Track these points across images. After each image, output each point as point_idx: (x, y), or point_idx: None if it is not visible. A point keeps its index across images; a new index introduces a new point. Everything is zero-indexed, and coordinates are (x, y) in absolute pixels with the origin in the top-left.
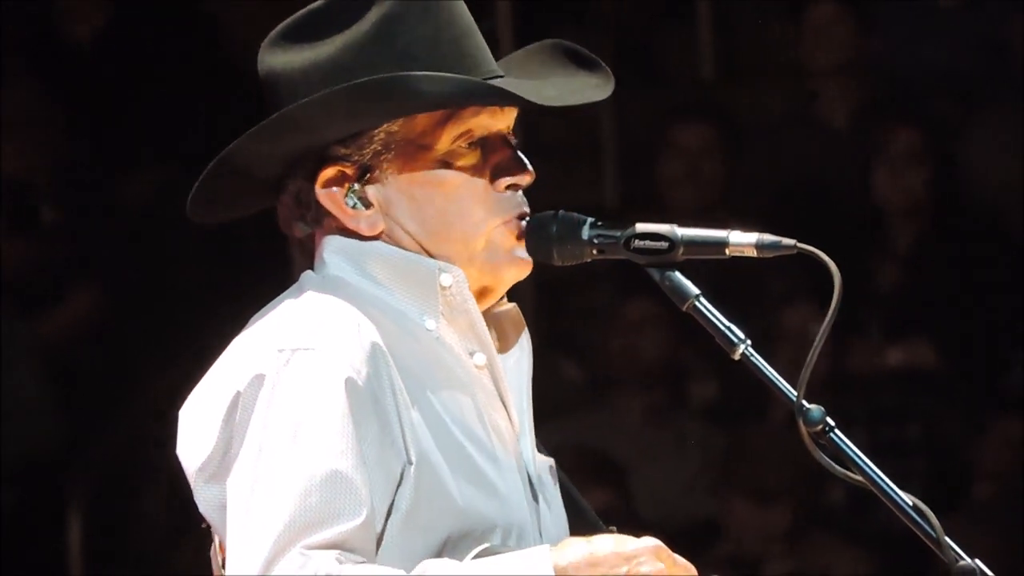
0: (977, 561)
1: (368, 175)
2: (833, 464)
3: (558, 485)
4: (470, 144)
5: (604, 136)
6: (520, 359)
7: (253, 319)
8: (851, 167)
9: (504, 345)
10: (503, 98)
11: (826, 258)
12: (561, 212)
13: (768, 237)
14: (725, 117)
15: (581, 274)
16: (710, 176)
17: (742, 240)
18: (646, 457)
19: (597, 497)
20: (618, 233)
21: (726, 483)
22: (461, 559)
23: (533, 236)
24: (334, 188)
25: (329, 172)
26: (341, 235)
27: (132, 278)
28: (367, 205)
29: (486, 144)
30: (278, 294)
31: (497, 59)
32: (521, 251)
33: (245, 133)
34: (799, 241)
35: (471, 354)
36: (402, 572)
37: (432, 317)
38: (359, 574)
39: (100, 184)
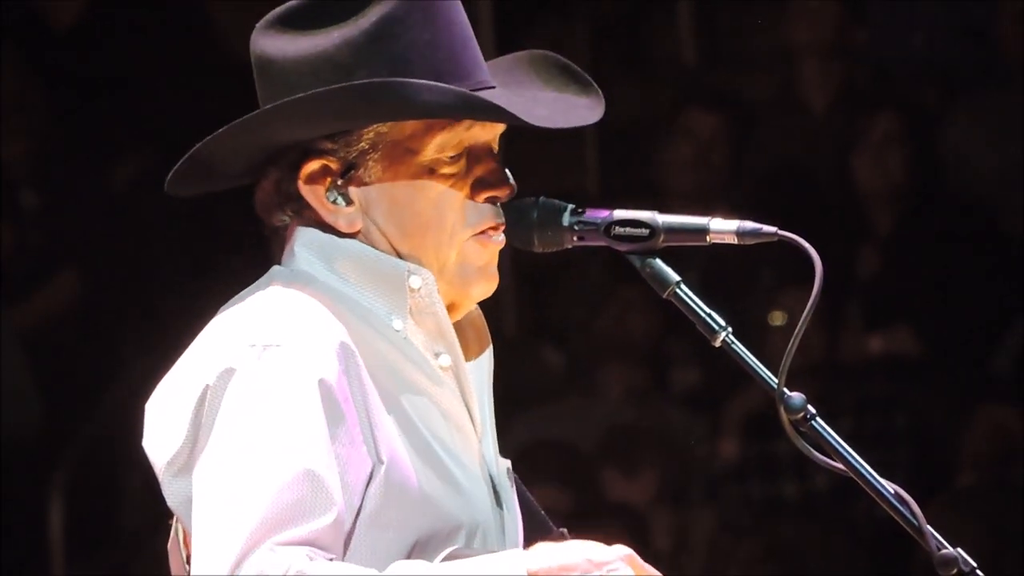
0: (959, 550)
1: (352, 172)
2: (814, 452)
3: (514, 487)
4: (455, 153)
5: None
6: (481, 361)
7: (220, 311)
8: (832, 153)
9: (466, 347)
10: (498, 115)
11: (807, 245)
12: (542, 198)
13: (749, 224)
14: (707, 103)
15: (561, 261)
16: (691, 162)
17: (723, 227)
18: (625, 446)
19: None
20: (598, 220)
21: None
22: (428, 559)
23: (513, 222)
24: (316, 182)
25: (313, 165)
26: (317, 228)
27: (113, 264)
28: (348, 202)
29: (471, 154)
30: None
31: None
32: (490, 268)
33: (235, 121)
34: (781, 228)
35: (436, 355)
36: (373, 571)
37: (400, 317)
38: (330, 572)
39: (81, 170)
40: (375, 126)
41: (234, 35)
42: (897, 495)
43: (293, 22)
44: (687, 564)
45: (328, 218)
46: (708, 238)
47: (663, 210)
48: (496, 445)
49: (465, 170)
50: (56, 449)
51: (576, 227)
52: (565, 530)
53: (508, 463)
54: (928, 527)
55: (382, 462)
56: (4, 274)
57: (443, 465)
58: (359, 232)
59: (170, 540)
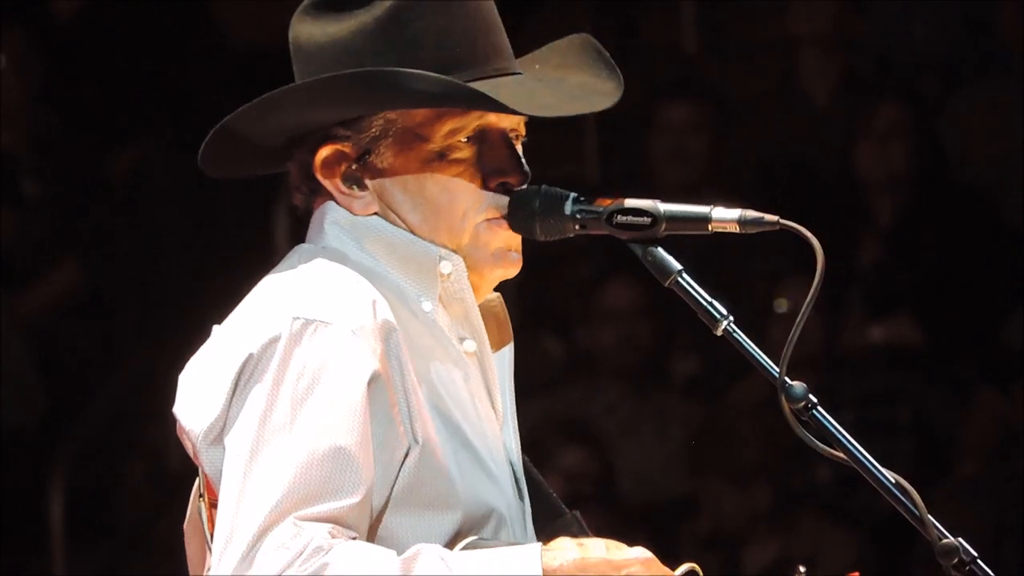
0: (960, 539)
1: (366, 158)
2: (815, 441)
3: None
4: (467, 139)
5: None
6: (503, 353)
7: (262, 284)
8: (834, 143)
9: (489, 336)
10: (484, 104)
11: (809, 234)
12: (544, 187)
13: (751, 213)
14: (708, 92)
15: (564, 249)
16: (693, 151)
17: (725, 216)
18: (628, 432)
19: (577, 472)
20: (601, 208)
21: (707, 460)
22: (451, 546)
23: (516, 211)
24: (332, 167)
25: (327, 151)
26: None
27: (114, 253)
28: (362, 187)
29: (484, 140)
30: (259, 270)
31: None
32: (508, 252)
33: (249, 103)
34: (782, 217)
35: (461, 340)
36: (392, 552)
37: (429, 300)
38: (348, 550)
39: (83, 159)
40: (385, 113)
41: (235, 24)
42: (898, 484)
43: (325, 7)
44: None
45: (343, 202)
46: (710, 227)
47: (664, 199)
48: (517, 436)
49: (477, 156)
50: (56, 440)
51: (578, 216)
52: (578, 512)
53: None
54: (929, 516)
55: (418, 442)
56: (4, 263)
57: (474, 449)
58: (376, 214)
59: (187, 520)
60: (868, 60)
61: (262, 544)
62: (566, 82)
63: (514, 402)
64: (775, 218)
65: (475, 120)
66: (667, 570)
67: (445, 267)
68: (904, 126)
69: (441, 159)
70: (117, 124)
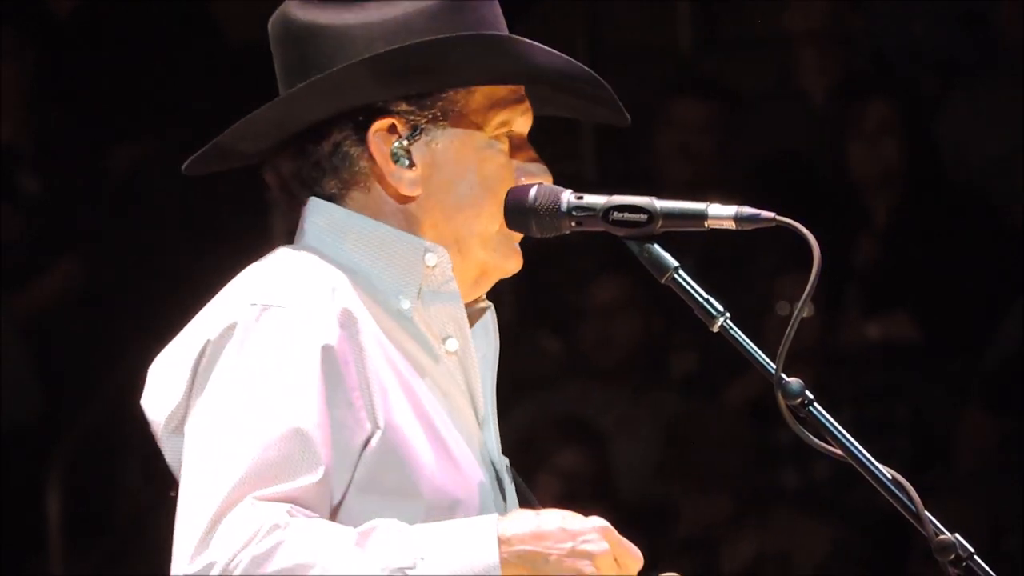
0: (956, 535)
1: (417, 136)
2: (812, 437)
3: (512, 483)
4: (508, 134)
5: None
6: (487, 357)
7: (233, 280)
8: (831, 140)
9: (475, 339)
10: (592, 84)
11: (805, 231)
12: (540, 184)
13: (747, 210)
14: (704, 90)
15: (560, 247)
16: (690, 149)
17: (721, 213)
18: (624, 429)
19: (573, 468)
20: (597, 205)
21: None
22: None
23: (512, 207)
24: (383, 141)
25: (385, 122)
26: (350, 202)
27: (113, 250)
28: (411, 164)
29: (513, 140)
30: None
31: None
32: (518, 249)
33: (315, 78)
34: (779, 214)
35: (444, 339)
36: (350, 529)
37: (408, 297)
38: (306, 525)
39: (82, 155)
40: (449, 93)
41: (234, 21)
42: (895, 480)
43: None
44: (685, 551)
45: (391, 179)
46: (706, 223)
47: (660, 196)
48: (498, 439)
49: (511, 153)
50: (55, 436)
51: (574, 213)
52: None
53: (506, 460)
54: (926, 512)
55: (379, 427)
56: (2, 260)
57: (441, 440)
58: (414, 200)
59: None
60: (865, 57)
61: (220, 526)
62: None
63: (495, 406)
64: (771, 215)
65: (517, 116)
66: (622, 539)
67: (430, 259)
68: (901, 123)
69: (490, 149)
70: (116, 121)
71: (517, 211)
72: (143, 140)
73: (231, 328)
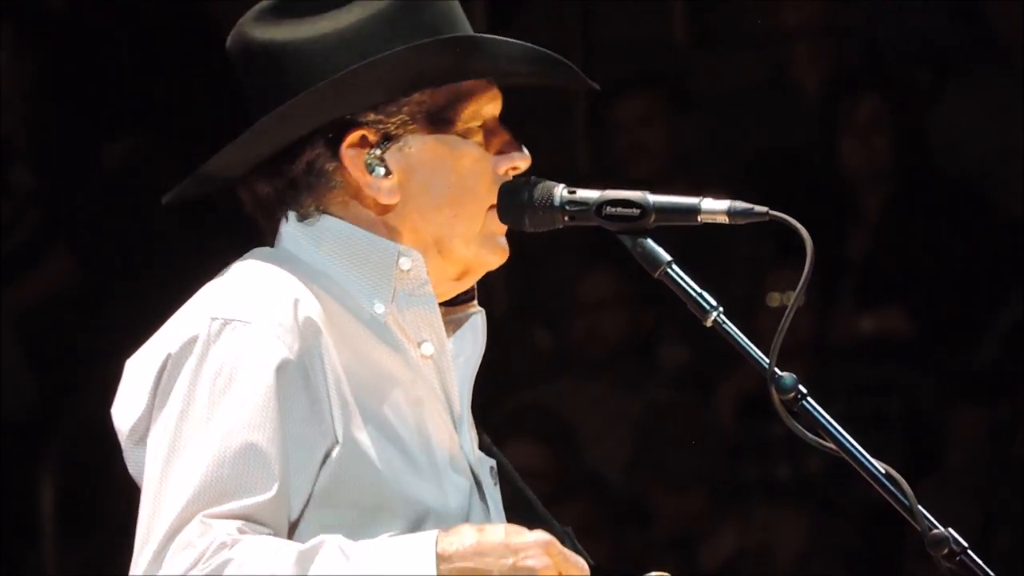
0: (950, 529)
1: (389, 143)
2: (805, 432)
3: (498, 485)
4: (480, 125)
5: (575, 103)
6: (470, 359)
7: (203, 288)
8: (823, 134)
9: (460, 343)
10: (559, 67)
11: (798, 225)
12: (533, 178)
13: (740, 204)
14: (696, 83)
15: (553, 241)
16: (682, 142)
17: (714, 207)
18: (613, 425)
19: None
20: (590, 200)
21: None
22: (373, 534)
23: (505, 202)
24: (356, 153)
25: (356, 135)
26: (327, 214)
27: (107, 244)
28: (387, 172)
29: (488, 128)
30: None
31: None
32: (503, 239)
33: (285, 105)
34: (772, 208)
35: (419, 343)
36: (296, 544)
37: (382, 301)
38: (253, 543)
39: (76, 149)
40: (415, 96)
41: (230, 15)
42: (888, 475)
43: (293, 10)
44: (681, 546)
45: (368, 190)
46: (699, 218)
47: (653, 190)
48: (475, 440)
49: (486, 142)
50: (48, 431)
51: (567, 207)
52: (570, 529)
53: (493, 462)
54: (919, 507)
55: (338, 441)
56: None
57: (408, 450)
58: (392, 208)
59: None
60: (858, 52)
61: (171, 544)
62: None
63: (469, 408)
64: (764, 209)
65: (485, 104)
66: (567, 553)
67: (404, 263)
68: (893, 118)
69: (463, 144)
70: (111, 115)
71: (510, 205)
72: (137, 135)
73: (191, 342)
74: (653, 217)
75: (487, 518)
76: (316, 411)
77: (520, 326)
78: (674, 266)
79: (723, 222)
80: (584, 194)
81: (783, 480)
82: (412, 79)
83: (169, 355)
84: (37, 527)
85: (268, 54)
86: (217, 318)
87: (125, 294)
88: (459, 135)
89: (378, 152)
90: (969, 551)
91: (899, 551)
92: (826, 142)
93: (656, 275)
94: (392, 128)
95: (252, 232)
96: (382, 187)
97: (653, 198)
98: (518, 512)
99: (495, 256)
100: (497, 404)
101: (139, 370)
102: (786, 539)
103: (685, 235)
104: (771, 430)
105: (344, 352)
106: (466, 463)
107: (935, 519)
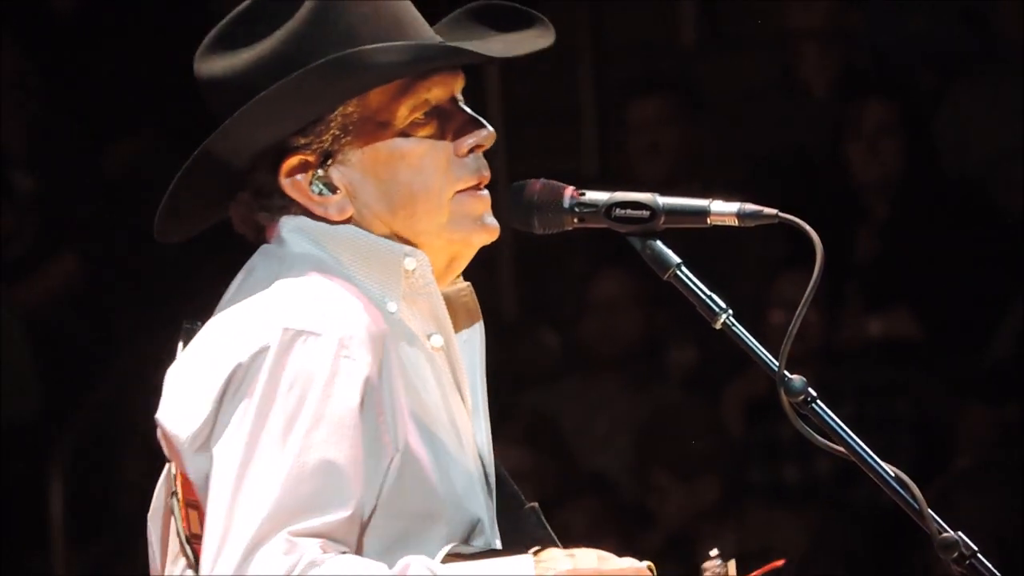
0: (960, 533)
1: (330, 160)
2: (815, 435)
3: (495, 475)
4: (426, 114)
5: (584, 104)
6: (472, 340)
7: (239, 294)
8: (831, 136)
9: (456, 325)
10: (457, 56)
11: (807, 227)
12: (542, 180)
13: (749, 206)
14: (704, 85)
15: (562, 243)
16: (690, 144)
17: (723, 209)
18: (621, 426)
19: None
20: (599, 202)
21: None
22: (430, 550)
23: (514, 204)
24: (298, 176)
25: (292, 162)
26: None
27: (110, 247)
28: (333, 190)
29: (441, 112)
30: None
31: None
32: (488, 217)
33: (205, 141)
34: (780, 211)
35: (428, 336)
36: (384, 567)
37: (393, 300)
38: (342, 563)
39: (79, 153)
40: (341, 109)
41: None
42: (898, 478)
43: (231, 41)
44: (688, 547)
45: (318, 210)
46: (709, 220)
47: (662, 192)
48: (488, 430)
49: (439, 129)
50: (56, 433)
51: (576, 209)
52: (536, 504)
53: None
54: (929, 510)
55: (398, 450)
56: (2, 257)
57: (448, 452)
58: (351, 219)
59: (152, 512)
60: (865, 54)
61: (254, 558)
62: (492, 36)
63: (485, 394)
64: (774, 211)
65: (426, 94)
66: None
67: (409, 263)
68: (901, 120)
69: (407, 139)
70: (114, 117)
71: (519, 208)
72: (139, 138)
73: (263, 352)
74: (662, 219)
75: (495, 516)
76: (382, 423)
77: (529, 328)
78: (683, 268)
79: (732, 224)
80: (593, 196)
81: (791, 482)
82: (317, 100)
83: (239, 364)
84: (46, 530)
85: (209, 87)
86: (289, 328)
87: (129, 297)
88: (400, 134)
89: (320, 172)
90: (979, 555)
91: (909, 554)
92: (834, 144)
93: (665, 277)
94: (327, 145)
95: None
96: (329, 205)
97: (663, 200)
98: (498, 492)
99: (478, 236)
100: (505, 405)
101: (198, 375)
102: (795, 541)
103: (695, 237)
104: (780, 432)
105: (391, 357)
106: (478, 453)
107: (945, 522)
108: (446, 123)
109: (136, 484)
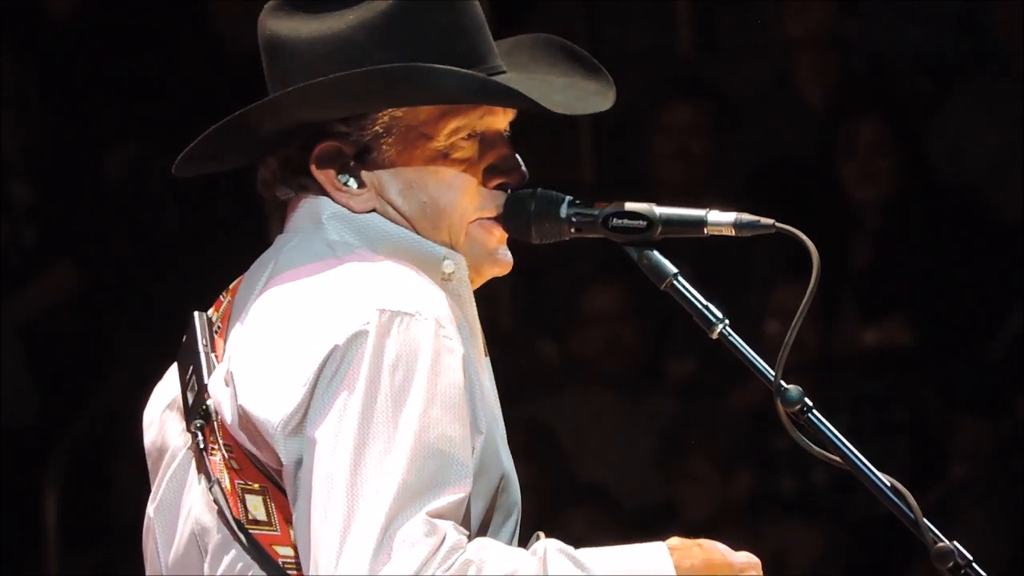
0: (955, 543)
1: (365, 155)
2: (811, 445)
3: None
4: (468, 137)
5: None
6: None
7: (283, 274)
8: (826, 145)
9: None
10: (518, 101)
11: (804, 237)
12: (539, 190)
13: (746, 217)
14: (702, 94)
15: (558, 253)
16: (687, 154)
17: (720, 219)
18: (619, 436)
19: (563, 475)
20: (596, 211)
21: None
22: (504, 537)
23: (511, 214)
24: (328, 163)
25: (326, 147)
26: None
27: (108, 255)
28: (360, 184)
29: (484, 140)
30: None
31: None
32: (502, 251)
33: (253, 104)
34: (777, 220)
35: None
36: (525, 552)
37: None
38: (484, 548)
39: (77, 161)
40: (390, 110)
41: (231, 26)
42: (894, 488)
43: (305, 3)
44: None
45: (340, 199)
46: (706, 230)
47: (659, 202)
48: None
49: (478, 155)
50: (52, 441)
51: (574, 219)
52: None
53: None
54: (925, 520)
55: (480, 432)
56: (0, 265)
57: (503, 437)
58: (374, 211)
59: (158, 505)
60: (862, 62)
61: (393, 540)
62: (554, 81)
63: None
64: (771, 221)
65: (478, 119)
66: None
67: (448, 266)
68: (896, 128)
69: (444, 158)
70: (112, 125)
71: (516, 217)
72: (138, 146)
73: (362, 334)
74: (659, 229)
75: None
76: (472, 402)
77: (526, 338)
78: (680, 278)
79: (729, 235)
80: (590, 206)
81: (788, 492)
82: (370, 99)
83: (336, 347)
84: (40, 536)
85: (271, 47)
86: (385, 310)
87: (127, 306)
88: (439, 150)
89: (352, 163)
90: (974, 564)
91: (904, 564)
92: (829, 153)
93: (662, 287)
94: (367, 140)
95: (253, 242)
96: (352, 197)
97: (660, 210)
98: None
99: (487, 268)
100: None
101: (288, 360)
102: (791, 552)
103: (694, 247)
104: (776, 442)
105: (465, 341)
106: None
107: (940, 531)
108: (485, 152)
109: (131, 490)
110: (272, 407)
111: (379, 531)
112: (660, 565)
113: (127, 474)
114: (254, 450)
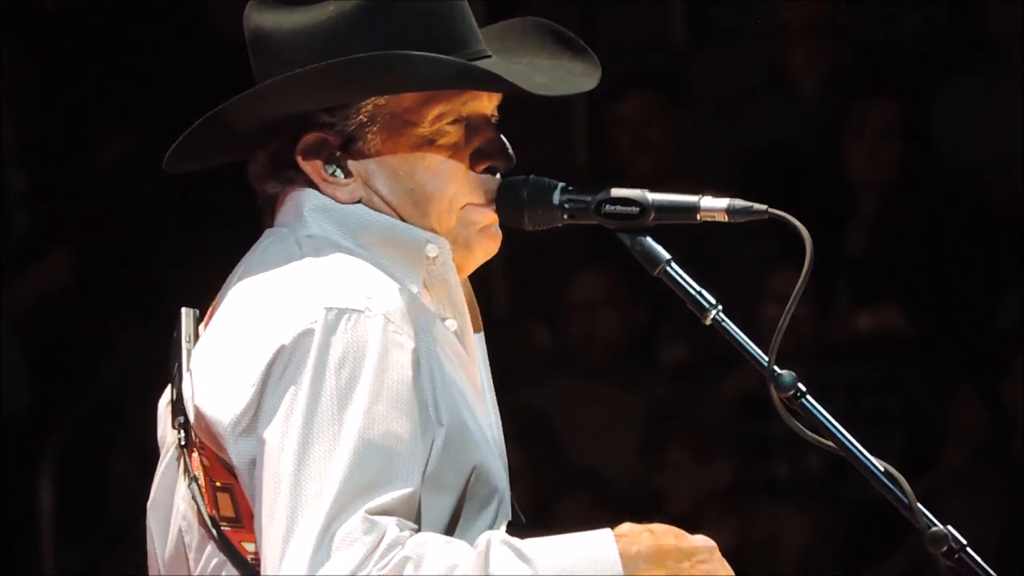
0: (949, 527)
1: (350, 145)
2: (804, 430)
3: None
4: (454, 122)
5: (574, 100)
6: (479, 336)
7: (256, 272)
8: (821, 133)
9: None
10: (498, 85)
11: (797, 223)
12: (532, 177)
13: (739, 202)
14: (695, 83)
15: (551, 240)
16: (681, 141)
17: (713, 205)
18: (613, 423)
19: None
20: (589, 198)
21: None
22: (474, 524)
23: (504, 200)
24: (314, 155)
25: (311, 139)
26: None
27: (103, 244)
28: (346, 174)
29: (470, 124)
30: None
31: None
32: (495, 228)
33: (234, 97)
34: (771, 206)
35: (443, 320)
36: (465, 544)
37: (414, 283)
38: (423, 543)
39: (72, 150)
40: (373, 99)
41: (224, 16)
42: (887, 473)
43: None
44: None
45: (327, 190)
46: (699, 216)
47: (652, 188)
48: (497, 413)
49: (464, 140)
50: (47, 430)
51: (566, 205)
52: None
53: None
54: (918, 504)
55: (442, 425)
56: None
57: (480, 428)
58: (361, 200)
59: (152, 502)
60: (857, 51)
61: (332, 538)
62: (539, 64)
63: (491, 380)
64: (764, 207)
65: (462, 104)
66: (724, 561)
67: (431, 250)
68: (892, 116)
69: (430, 144)
70: (106, 115)
71: (508, 204)
72: (132, 135)
73: (307, 334)
74: (652, 215)
75: (508, 488)
76: (426, 398)
77: (520, 324)
78: (673, 264)
79: (722, 220)
80: (583, 192)
81: (783, 478)
82: (350, 89)
83: (282, 346)
84: (35, 524)
85: (255, 39)
86: (332, 308)
87: (121, 293)
88: (424, 137)
89: (338, 154)
90: (968, 548)
91: (899, 548)
92: (825, 141)
93: (655, 273)
94: (351, 129)
95: (248, 232)
96: (339, 187)
97: (652, 196)
98: None
99: (480, 248)
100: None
101: (238, 360)
102: (786, 537)
103: (686, 233)
104: (771, 428)
105: (425, 334)
106: (492, 435)
107: (934, 516)
108: (472, 137)
109: (126, 480)
110: (222, 408)
111: (319, 531)
112: (605, 553)
113: (122, 464)
114: (215, 448)
